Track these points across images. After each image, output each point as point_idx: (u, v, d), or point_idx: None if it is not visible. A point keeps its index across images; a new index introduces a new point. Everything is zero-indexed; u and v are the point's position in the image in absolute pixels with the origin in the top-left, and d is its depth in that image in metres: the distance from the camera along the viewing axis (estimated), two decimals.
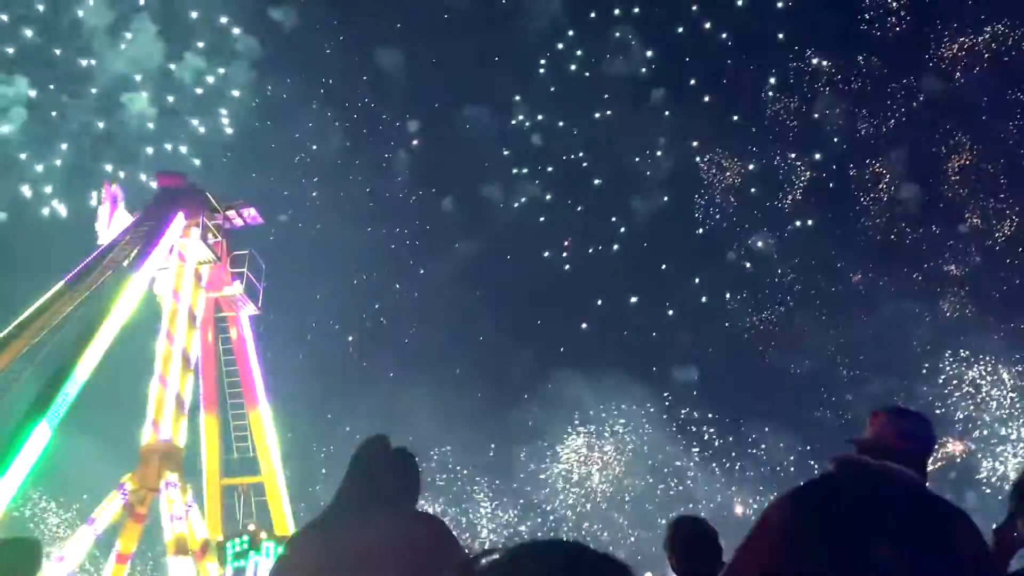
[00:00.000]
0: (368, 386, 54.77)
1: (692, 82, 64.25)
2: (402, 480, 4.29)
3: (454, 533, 4.23)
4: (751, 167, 62.73)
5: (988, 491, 48.90)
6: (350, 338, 60.34)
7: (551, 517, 55.83)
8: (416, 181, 64.46)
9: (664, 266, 62.55)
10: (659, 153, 63.62)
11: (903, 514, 3.27)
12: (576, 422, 56.47)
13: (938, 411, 49.57)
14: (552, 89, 64.76)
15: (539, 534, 49.31)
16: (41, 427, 18.27)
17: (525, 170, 64.48)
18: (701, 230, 62.92)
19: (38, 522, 46.97)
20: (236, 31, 54.18)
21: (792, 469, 52.16)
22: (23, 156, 50.57)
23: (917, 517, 3.27)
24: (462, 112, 63.23)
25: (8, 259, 45.08)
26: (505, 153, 64.35)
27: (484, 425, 54.08)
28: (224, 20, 53.70)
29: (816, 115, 62.24)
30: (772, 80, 62.82)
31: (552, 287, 61.21)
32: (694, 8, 63.18)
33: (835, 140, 62.37)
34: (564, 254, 63.19)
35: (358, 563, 3.89)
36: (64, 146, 51.45)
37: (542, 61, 64.28)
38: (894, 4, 60.14)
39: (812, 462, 50.10)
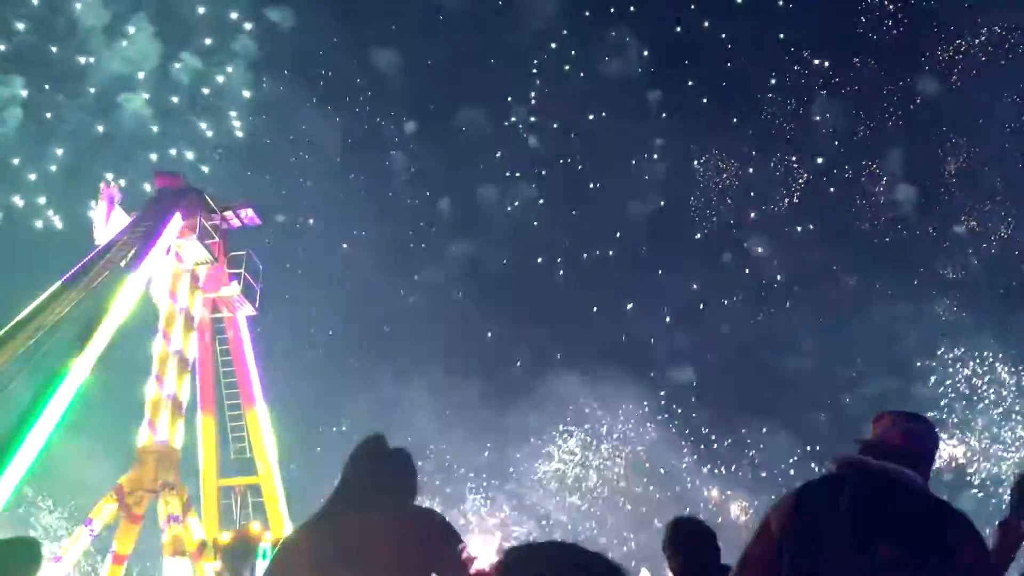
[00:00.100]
0: (365, 387, 54.75)
1: (689, 84, 64.46)
2: (400, 479, 4.30)
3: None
4: (748, 169, 62.86)
5: (981, 495, 49.01)
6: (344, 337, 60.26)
7: (548, 520, 55.83)
8: (413, 182, 64.50)
9: (660, 269, 62.61)
10: (655, 156, 63.82)
11: (904, 515, 3.28)
12: (572, 424, 56.51)
13: (932, 413, 49.58)
14: (546, 91, 64.77)
15: (534, 536, 49.30)
16: (38, 427, 18.28)
17: (519, 173, 64.52)
18: (699, 235, 63.02)
19: (34, 523, 46.82)
20: (247, 25, 53.90)
21: (790, 471, 52.22)
22: (16, 162, 50.31)
23: (918, 518, 3.29)
24: (457, 114, 63.28)
25: (7, 259, 44.97)
26: (498, 155, 64.33)
27: (480, 426, 54.06)
28: (224, 20, 53.55)
29: (813, 117, 62.45)
30: (770, 82, 62.95)
31: (549, 288, 61.29)
32: (692, 8, 63.37)
33: (833, 142, 62.55)
34: (559, 259, 63.20)
35: (357, 556, 3.89)
36: (60, 151, 51.26)
37: (535, 62, 64.24)
38: (891, 7, 60.34)
39: (810, 463, 50.23)
